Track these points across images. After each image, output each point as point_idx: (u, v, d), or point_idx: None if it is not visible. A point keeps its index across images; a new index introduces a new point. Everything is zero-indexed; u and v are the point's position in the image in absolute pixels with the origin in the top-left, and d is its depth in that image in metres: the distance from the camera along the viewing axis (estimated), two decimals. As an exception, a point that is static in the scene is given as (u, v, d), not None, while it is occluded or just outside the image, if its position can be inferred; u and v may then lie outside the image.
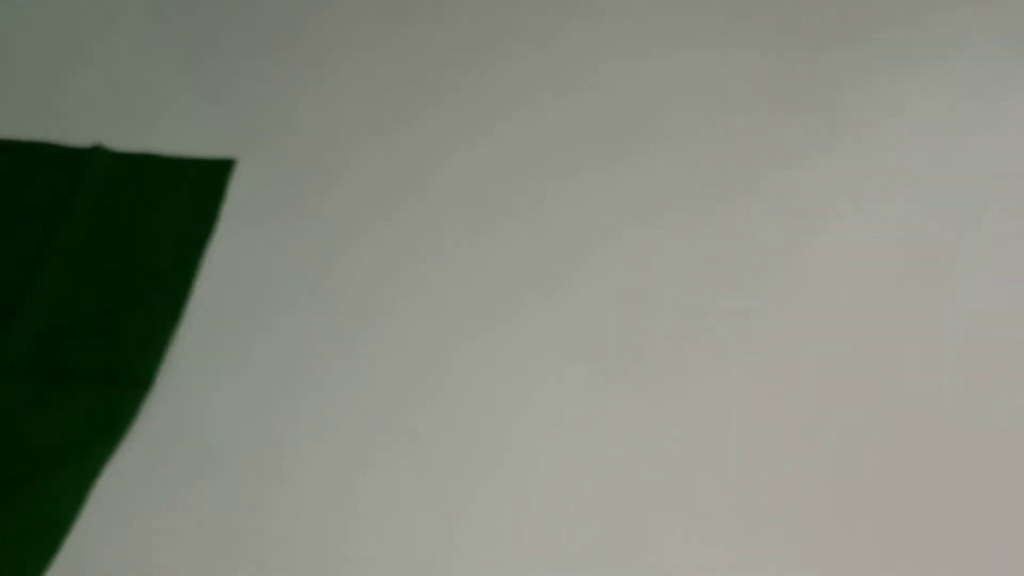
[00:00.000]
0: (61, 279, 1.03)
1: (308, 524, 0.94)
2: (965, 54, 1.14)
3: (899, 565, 0.89)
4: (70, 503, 0.94)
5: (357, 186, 1.12)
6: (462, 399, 0.98)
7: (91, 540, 0.93)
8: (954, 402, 0.95)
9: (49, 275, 1.03)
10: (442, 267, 1.06)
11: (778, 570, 0.89)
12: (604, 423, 0.96)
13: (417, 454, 0.96)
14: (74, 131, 1.15)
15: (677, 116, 1.13)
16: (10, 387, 0.99)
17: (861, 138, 1.10)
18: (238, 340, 1.03)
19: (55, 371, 1.00)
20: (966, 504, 0.91)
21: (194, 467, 0.96)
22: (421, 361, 1.01)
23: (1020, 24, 1.16)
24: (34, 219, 1.07)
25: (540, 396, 0.98)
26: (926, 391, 0.95)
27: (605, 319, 1.01)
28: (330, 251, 1.08)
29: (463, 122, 1.15)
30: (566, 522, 0.92)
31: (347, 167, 1.13)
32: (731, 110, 1.13)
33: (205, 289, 1.06)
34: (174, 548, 0.93)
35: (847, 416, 0.95)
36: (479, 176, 1.11)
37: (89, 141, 1.14)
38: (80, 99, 1.19)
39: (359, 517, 0.94)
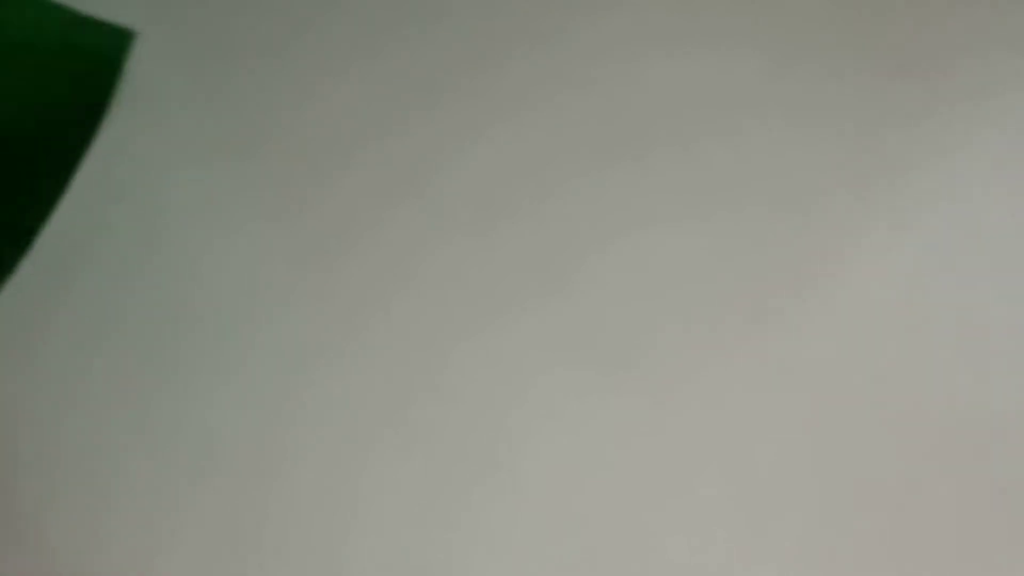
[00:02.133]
0: None
1: (304, 523, 0.93)
2: (984, 58, 1.14)
3: (901, 566, 0.89)
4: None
5: (354, 185, 1.12)
6: (462, 398, 0.98)
7: (90, 539, 0.93)
8: (959, 402, 0.95)
9: None
10: (441, 266, 1.06)
11: (780, 571, 0.89)
12: (605, 423, 0.96)
13: (416, 453, 0.96)
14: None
15: (680, 117, 1.13)
16: None
17: (866, 141, 1.10)
18: (233, 338, 1.03)
19: None
20: (969, 503, 0.91)
21: (189, 466, 0.96)
22: (420, 360, 1.01)
23: None
24: None
25: (540, 396, 0.98)
26: (931, 391, 0.95)
27: (606, 320, 1.01)
28: (328, 249, 1.08)
29: (463, 122, 1.15)
30: (566, 522, 0.92)
31: (345, 166, 1.13)
32: (735, 112, 1.13)
33: (201, 285, 1.05)
34: (171, 547, 0.93)
35: (850, 417, 0.95)
36: (479, 175, 1.11)
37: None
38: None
39: (356, 515, 0.94)
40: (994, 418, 0.94)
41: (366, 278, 1.06)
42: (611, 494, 0.93)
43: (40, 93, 0.87)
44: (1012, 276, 1.01)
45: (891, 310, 1.00)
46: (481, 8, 1.23)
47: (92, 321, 1.05)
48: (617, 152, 1.11)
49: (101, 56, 0.89)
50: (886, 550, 0.90)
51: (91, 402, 1.01)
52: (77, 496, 0.98)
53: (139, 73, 1.21)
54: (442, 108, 1.16)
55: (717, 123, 1.12)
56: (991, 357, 0.97)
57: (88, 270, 1.08)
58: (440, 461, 0.96)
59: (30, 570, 0.95)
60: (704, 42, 1.18)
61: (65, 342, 1.04)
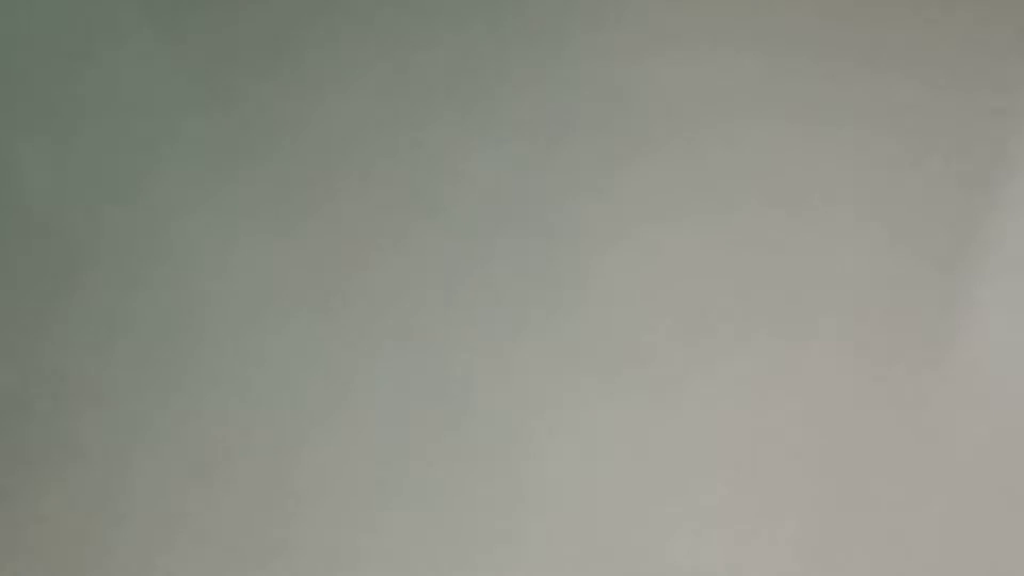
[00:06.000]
0: None
1: (309, 524, 0.94)
2: (974, 52, 1.14)
3: (899, 566, 0.89)
4: None
5: (361, 191, 1.12)
6: (468, 402, 0.98)
7: (92, 540, 0.93)
8: (954, 401, 0.95)
9: None
10: (447, 270, 1.06)
11: (779, 570, 0.90)
12: (610, 425, 0.96)
13: (422, 455, 0.96)
14: (72, 140, 1.15)
15: (681, 118, 1.13)
16: None
17: (865, 141, 1.10)
18: (238, 341, 1.03)
19: None
20: (966, 503, 0.91)
21: (193, 469, 0.96)
22: (425, 363, 1.01)
23: None
24: None
25: (546, 398, 0.98)
26: (927, 390, 0.96)
27: (611, 322, 1.01)
28: (334, 255, 1.08)
29: (467, 124, 1.15)
30: (572, 522, 0.93)
31: (351, 172, 1.13)
32: (735, 112, 1.13)
33: (213, 291, 1.06)
34: (174, 548, 0.93)
35: (848, 416, 0.95)
36: (483, 179, 1.11)
37: (86, 151, 1.14)
38: (79, 106, 1.19)
39: (362, 517, 0.94)
40: (992, 414, 0.95)
41: (371, 284, 1.06)
42: (616, 495, 0.94)
43: None
44: (1011, 275, 1.01)
45: (892, 309, 1.01)
46: (481, 10, 1.23)
47: (96, 325, 1.05)
48: (618, 152, 1.11)
49: None
50: (885, 549, 0.90)
51: (93, 404, 1.01)
52: (78, 497, 0.98)
53: (149, 80, 1.21)
54: (444, 110, 1.16)
55: (717, 123, 1.12)
56: (987, 352, 0.98)
57: (93, 275, 1.08)
58: (444, 463, 0.96)
59: (30, 570, 0.96)
60: (704, 42, 1.18)
61: (68, 346, 1.04)
